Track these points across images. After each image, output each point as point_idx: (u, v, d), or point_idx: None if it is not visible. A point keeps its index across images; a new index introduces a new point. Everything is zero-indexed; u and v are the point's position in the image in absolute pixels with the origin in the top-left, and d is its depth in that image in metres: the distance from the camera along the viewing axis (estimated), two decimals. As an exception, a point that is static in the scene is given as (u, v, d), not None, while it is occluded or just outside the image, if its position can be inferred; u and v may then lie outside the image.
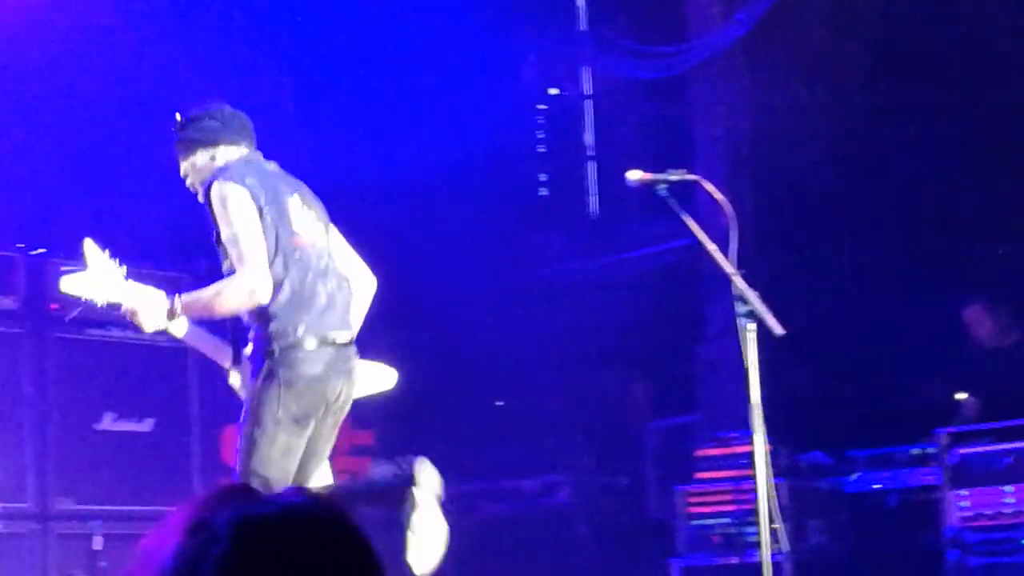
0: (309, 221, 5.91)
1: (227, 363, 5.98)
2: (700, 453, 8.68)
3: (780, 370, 7.30)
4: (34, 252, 8.00)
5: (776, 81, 9.62)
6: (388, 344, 9.15)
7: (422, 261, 9.50)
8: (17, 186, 8.56)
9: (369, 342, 8.48)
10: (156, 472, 8.10)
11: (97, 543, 7.79)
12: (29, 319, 7.91)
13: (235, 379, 5.97)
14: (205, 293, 5.74)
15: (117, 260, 5.80)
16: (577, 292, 10.22)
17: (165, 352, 8.09)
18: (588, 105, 10.97)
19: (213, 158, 5.91)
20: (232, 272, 5.70)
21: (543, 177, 10.75)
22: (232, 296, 5.65)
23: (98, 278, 5.74)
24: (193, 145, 5.93)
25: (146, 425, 8.18)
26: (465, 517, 8.52)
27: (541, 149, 10.74)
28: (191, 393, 8.36)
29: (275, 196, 5.81)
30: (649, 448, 9.93)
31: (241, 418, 5.78)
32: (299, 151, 9.10)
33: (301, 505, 1.77)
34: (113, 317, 7.97)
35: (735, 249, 5.37)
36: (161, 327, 5.78)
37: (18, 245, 8.01)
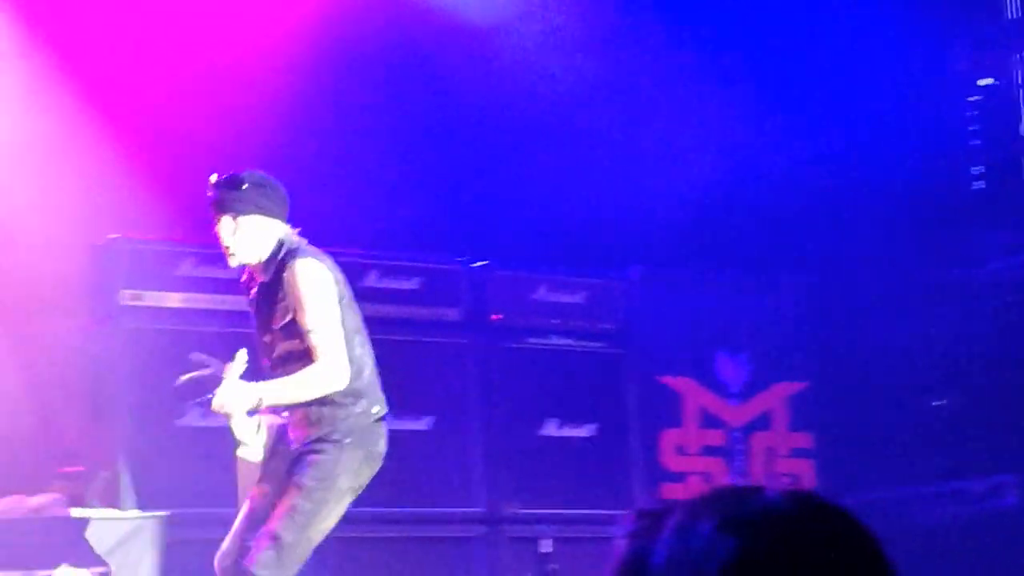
0: None
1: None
2: None
3: None
4: (476, 264, 8.29)
5: None
6: (818, 343, 9.09)
7: (844, 260, 9.34)
8: (460, 198, 8.87)
9: (800, 344, 8.43)
10: (597, 476, 8.25)
11: (545, 546, 7.97)
12: (473, 330, 8.22)
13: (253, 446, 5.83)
14: (289, 385, 5.67)
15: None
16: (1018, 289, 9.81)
17: (603, 358, 8.25)
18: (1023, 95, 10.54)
19: (266, 229, 5.81)
20: (299, 354, 5.69)
21: (977, 171, 10.40)
22: (317, 386, 5.65)
23: (224, 389, 5.68)
24: (250, 208, 5.80)
25: (587, 430, 8.33)
26: (905, 521, 8.33)
27: (975, 142, 10.39)
28: (629, 398, 8.47)
29: (343, 276, 5.88)
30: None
31: (295, 483, 5.67)
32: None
33: (799, 501, 1.70)
34: (551, 325, 8.20)
35: None
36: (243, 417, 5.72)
37: (461, 258, 8.31)
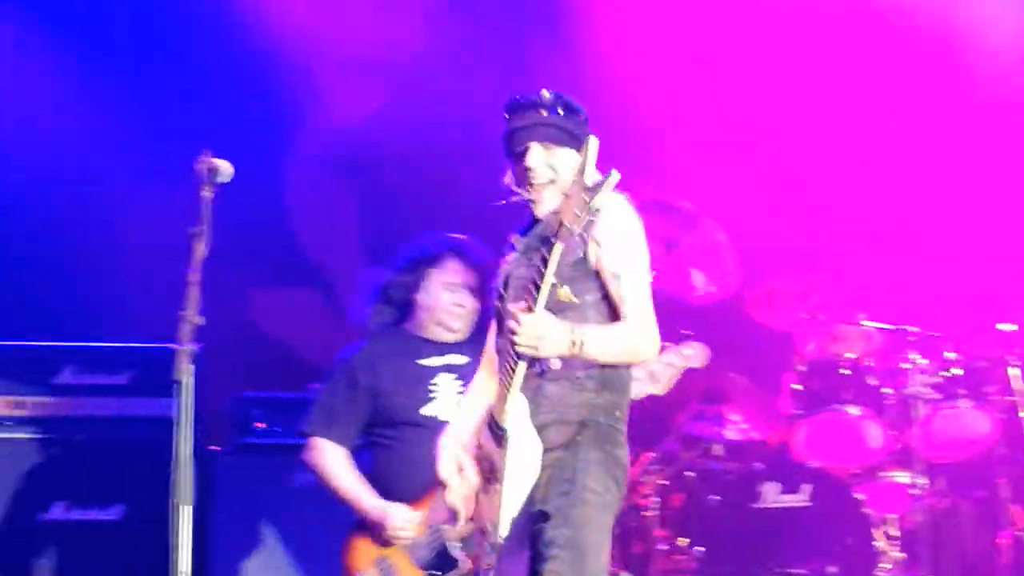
0: None
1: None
2: None
3: None
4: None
5: None
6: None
7: None
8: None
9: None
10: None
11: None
12: None
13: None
14: (614, 333, 4.69)
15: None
16: None
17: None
18: None
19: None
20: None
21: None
22: (640, 347, 4.71)
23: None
24: (568, 140, 4.85)
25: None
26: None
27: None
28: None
29: None
30: None
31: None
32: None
33: None
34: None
35: None
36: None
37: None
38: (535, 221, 4.91)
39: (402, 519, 5.67)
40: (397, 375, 5.99)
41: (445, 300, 6.07)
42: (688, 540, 7.35)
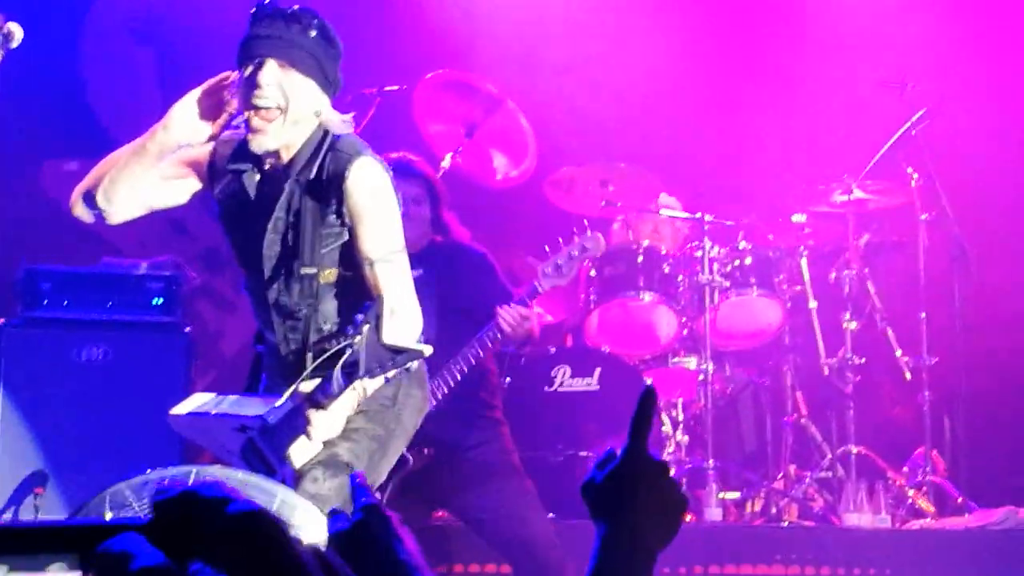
0: None
1: None
2: None
3: None
4: None
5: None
6: None
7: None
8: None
9: None
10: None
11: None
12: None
13: None
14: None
15: None
16: None
17: None
18: None
19: (318, 112, 4.31)
20: (348, 291, 4.35)
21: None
22: (409, 340, 4.09)
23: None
24: (318, 73, 4.29)
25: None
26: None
27: None
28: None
29: None
30: None
31: None
32: None
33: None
34: None
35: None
36: None
37: None
38: (248, 154, 4.35)
39: None
40: None
41: None
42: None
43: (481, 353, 6.38)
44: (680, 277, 7.74)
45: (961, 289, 7.93)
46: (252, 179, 4.42)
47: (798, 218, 7.97)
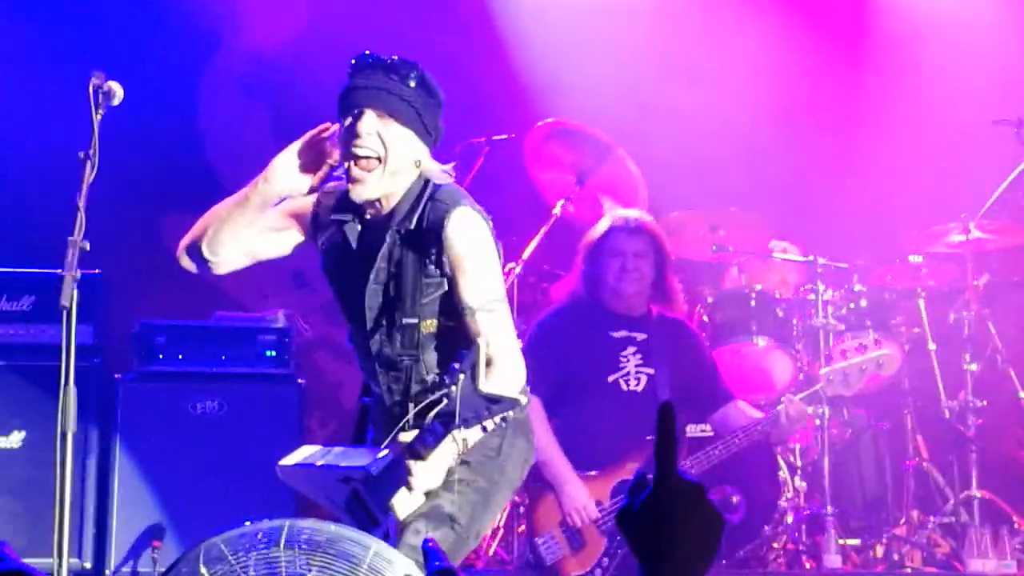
0: None
1: None
2: None
3: None
4: None
5: None
6: None
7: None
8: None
9: None
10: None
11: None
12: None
13: None
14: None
15: None
16: None
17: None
18: None
19: (418, 162, 4.30)
20: (447, 339, 4.31)
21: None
22: (510, 391, 3.98)
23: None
24: (417, 123, 4.28)
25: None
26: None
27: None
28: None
29: None
30: None
31: None
32: None
33: None
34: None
35: None
36: None
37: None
38: (350, 204, 4.35)
39: (581, 502, 6.27)
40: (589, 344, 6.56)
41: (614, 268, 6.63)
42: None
43: (745, 443, 6.58)
44: (794, 321, 7.66)
45: (1084, 327, 7.76)
46: (354, 230, 4.42)
47: (915, 259, 7.85)
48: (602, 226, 6.79)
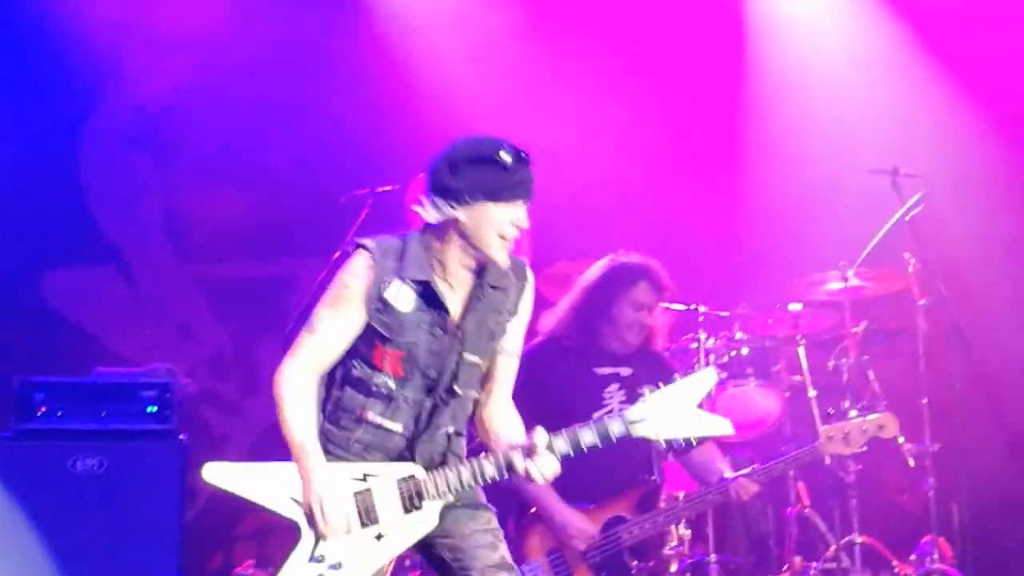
0: None
1: None
2: None
3: None
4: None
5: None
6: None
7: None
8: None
9: None
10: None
11: None
12: None
13: None
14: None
15: None
16: None
17: None
18: None
19: None
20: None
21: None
22: None
23: None
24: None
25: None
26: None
27: None
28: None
29: None
30: None
31: None
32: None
33: None
34: None
35: None
36: None
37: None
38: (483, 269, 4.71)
39: (578, 530, 6.39)
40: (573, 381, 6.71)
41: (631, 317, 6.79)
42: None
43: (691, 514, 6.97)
44: (676, 368, 7.70)
45: (960, 373, 7.89)
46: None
47: (794, 307, 7.95)
48: (625, 273, 6.92)
